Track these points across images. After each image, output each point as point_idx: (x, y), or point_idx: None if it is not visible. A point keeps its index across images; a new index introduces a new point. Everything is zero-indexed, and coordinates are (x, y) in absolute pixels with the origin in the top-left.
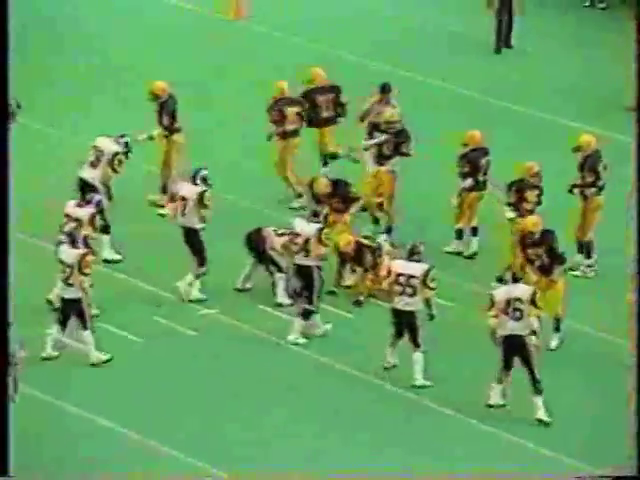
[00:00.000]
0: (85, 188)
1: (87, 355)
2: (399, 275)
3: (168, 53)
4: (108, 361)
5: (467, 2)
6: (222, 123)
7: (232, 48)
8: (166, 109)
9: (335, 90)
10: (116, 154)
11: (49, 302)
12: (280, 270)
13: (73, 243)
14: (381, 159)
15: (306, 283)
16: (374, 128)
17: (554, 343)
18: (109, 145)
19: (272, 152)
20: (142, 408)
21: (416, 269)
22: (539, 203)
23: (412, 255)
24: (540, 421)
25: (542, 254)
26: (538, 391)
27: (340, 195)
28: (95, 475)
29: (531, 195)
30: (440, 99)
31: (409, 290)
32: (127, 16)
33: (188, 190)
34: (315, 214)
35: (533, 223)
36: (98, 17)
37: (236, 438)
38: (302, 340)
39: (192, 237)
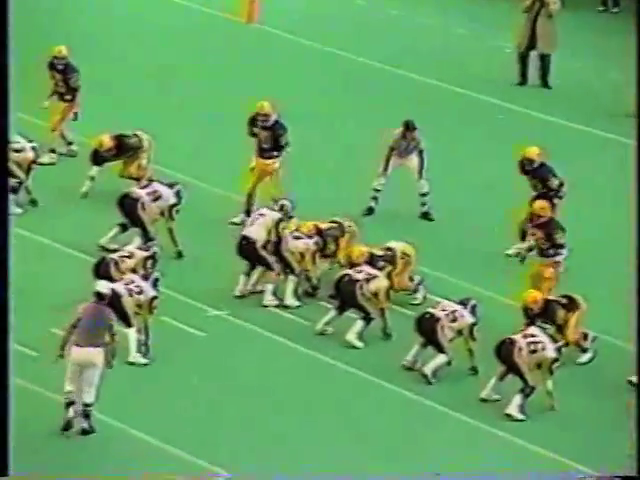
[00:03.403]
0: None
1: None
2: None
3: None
4: (144, 365)
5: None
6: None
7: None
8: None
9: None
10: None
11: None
12: (292, 272)
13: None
14: (262, 152)
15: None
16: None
17: (584, 358)
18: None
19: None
20: (150, 409)
21: (467, 317)
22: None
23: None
24: (508, 415)
25: (541, 237)
26: (522, 391)
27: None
28: (96, 476)
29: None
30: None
31: (450, 316)
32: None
33: None
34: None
35: (541, 207)
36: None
37: (242, 439)
38: (359, 343)
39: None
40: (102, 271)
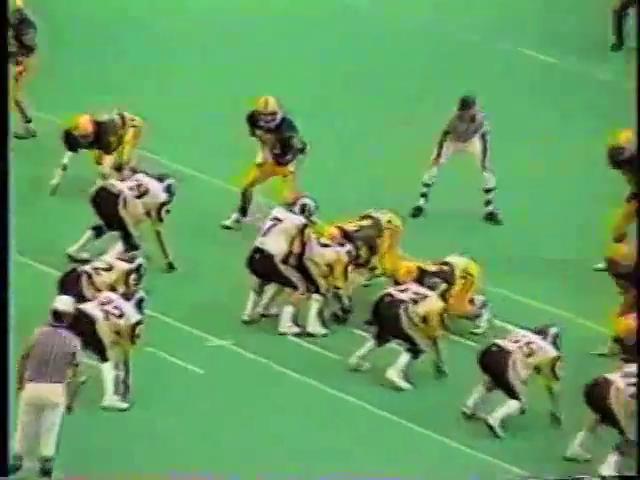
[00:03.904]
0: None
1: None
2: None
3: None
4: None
5: None
6: None
7: None
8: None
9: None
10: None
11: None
12: (317, 290)
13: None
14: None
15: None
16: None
17: None
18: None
19: None
20: (128, 467)
21: (547, 350)
22: None
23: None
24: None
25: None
26: (617, 447)
27: None
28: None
29: None
30: None
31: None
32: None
33: None
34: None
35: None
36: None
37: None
38: (405, 384)
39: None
40: (70, 287)
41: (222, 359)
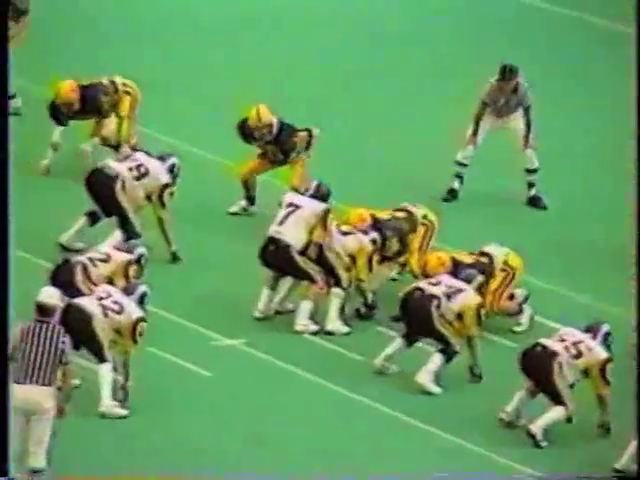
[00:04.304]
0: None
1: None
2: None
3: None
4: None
5: None
6: None
7: None
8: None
9: None
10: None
11: None
12: (338, 284)
13: None
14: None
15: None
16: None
17: None
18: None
19: None
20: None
21: (597, 351)
22: None
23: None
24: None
25: None
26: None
27: None
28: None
29: None
30: None
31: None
32: None
33: None
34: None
35: None
36: None
37: None
38: (436, 388)
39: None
40: (63, 279)
41: (232, 360)
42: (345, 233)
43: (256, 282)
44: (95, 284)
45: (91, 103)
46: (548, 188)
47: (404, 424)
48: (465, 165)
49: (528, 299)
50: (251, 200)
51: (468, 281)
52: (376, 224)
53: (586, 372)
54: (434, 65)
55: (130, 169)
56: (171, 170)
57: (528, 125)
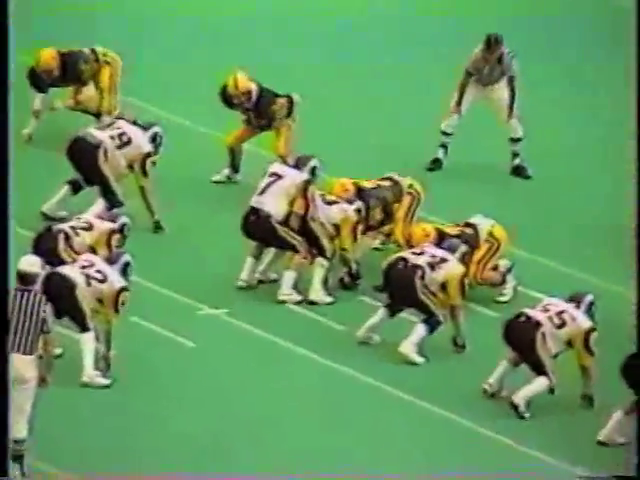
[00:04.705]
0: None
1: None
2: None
3: None
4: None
5: None
6: None
7: None
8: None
9: None
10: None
11: None
12: (322, 253)
13: None
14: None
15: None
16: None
17: None
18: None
19: None
20: (109, 453)
21: (580, 320)
22: None
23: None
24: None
25: None
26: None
27: None
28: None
29: None
30: None
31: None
32: None
33: None
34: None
35: None
36: None
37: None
38: (419, 358)
39: None
40: (45, 247)
41: (215, 330)
42: (329, 202)
43: (240, 251)
44: (77, 253)
45: (71, 71)
46: (532, 158)
47: (387, 394)
48: (449, 134)
49: (512, 270)
50: (235, 168)
51: (452, 251)
52: (360, 193)
53: (570, 342)
54: (421, 35)
55: (112, 137)
56: (153, 139)
57: (512, 95)
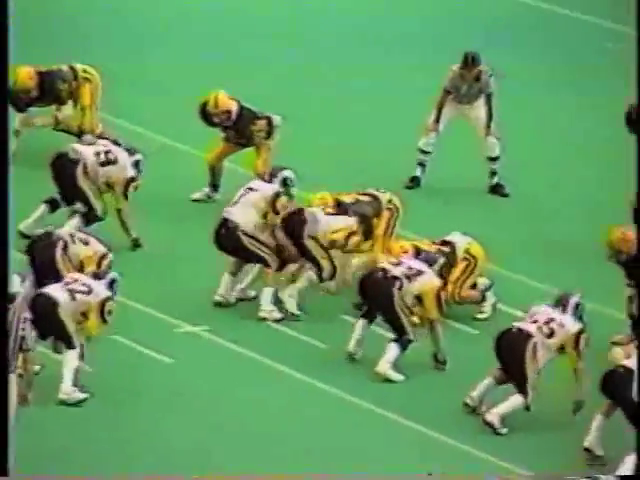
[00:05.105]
0: None
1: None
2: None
3: None
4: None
5: None
6: None
7: None
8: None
9: None
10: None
11: None
12: (320, 274)
13: None
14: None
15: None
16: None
17: None
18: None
19: None
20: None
21: (569, 325)
22: None
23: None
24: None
25: None
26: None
27: None
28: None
29: None
30: None
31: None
32: None
33: None
34: None
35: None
36: None
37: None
38: (397, 375)
39: None
40: (43, 252)
41: (194, 347)
42: (329, 214)
43: (219, 269)
44: (70, 261)
45: (49, 90)
46: (510, 177)
47: (367, 412)
48: (427, 152)
49: (491, 287)
50: (215, 187)
51: (430, 264)
52: (340, 207)
53: (561, 349)
54: (400, 52)
55: (97, 153)
56: (136, 166)
57: (490, 113)
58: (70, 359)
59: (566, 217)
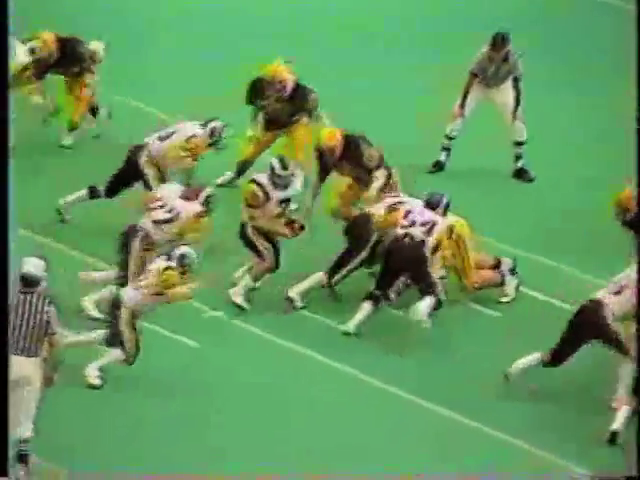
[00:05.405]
0: None
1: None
2: None
3: None
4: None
5: None
6: None
7: None
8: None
9: None
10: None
11: None
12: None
13: None
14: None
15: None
16: None
17: None
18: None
19: None
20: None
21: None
22: None
23: None
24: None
25: None
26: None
27: None
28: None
29: None
30: None
31: None
32: None
33: None
34: None
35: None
36: None
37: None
38: (429, 323)
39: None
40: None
41: (219, 331)
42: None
43: (243, 255)
44: (151, 249)
45: (71, 53)
46: (536, 161)
47: (390, 393)
48: (452, 138)
49: (515, 269)
50: (239, 174)
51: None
52: (348, 140)
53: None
54: (427, 36)
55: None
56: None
57: (517, 97)
58: (114, 354)
59: (593, 200)
